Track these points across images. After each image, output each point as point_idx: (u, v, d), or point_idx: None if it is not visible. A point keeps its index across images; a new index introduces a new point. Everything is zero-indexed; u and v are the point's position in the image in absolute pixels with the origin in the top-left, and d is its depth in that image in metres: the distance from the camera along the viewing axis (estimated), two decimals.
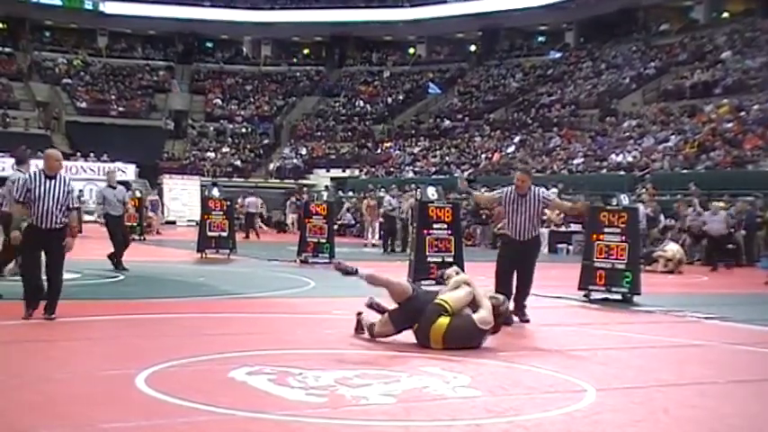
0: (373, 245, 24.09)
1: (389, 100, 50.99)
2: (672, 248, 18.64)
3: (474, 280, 7.78)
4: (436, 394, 5.64)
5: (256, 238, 27.24)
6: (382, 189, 30.36)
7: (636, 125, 33.38)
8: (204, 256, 18.03)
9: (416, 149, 42.88)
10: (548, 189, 29.57)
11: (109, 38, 55.06)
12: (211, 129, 50.11)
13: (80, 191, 33.79)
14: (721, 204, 20.72)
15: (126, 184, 35.00)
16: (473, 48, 53.65)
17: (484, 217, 26.94)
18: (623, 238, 11.52)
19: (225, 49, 57.50)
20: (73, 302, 9.82)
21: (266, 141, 49.70)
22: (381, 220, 24.23)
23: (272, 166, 46.46)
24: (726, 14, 42.35)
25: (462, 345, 7.21)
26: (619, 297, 11.56)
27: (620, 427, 5.07)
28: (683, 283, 16.21)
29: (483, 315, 7.33)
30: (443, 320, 7.26)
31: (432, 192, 12.59)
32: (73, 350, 7.01)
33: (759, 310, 11.52)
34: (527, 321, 9.18)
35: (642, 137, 31.58)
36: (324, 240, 17.09)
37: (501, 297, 7.77)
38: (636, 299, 11.50)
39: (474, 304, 7.41)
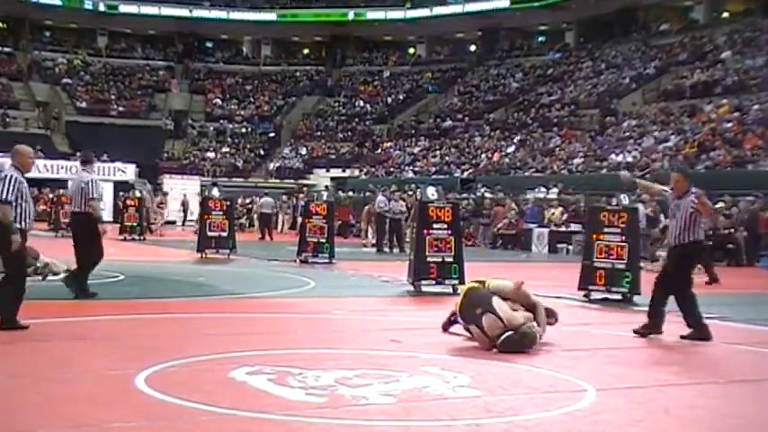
0: (373, 245, 24.09)
1: (389, 100, 50.99)
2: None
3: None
4: (436, 394, 5.64)
5: (270, 239, 27.01)
6: (383, 189, 30.36)
7: (636, 125, 33.39)
8: (204, 256, 18.03)
9: (416, 149, 42.89)
10: (548, 189, 29.58)
11: (109, 38, 55.05)
12: (211, 129, 50.13)
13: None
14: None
15: (126, 183, 35.26)
16: (473, 48, 53.67)
17: (484, 218, 26.94)
18: (623, 238, 11.53)
19: (225, 48, 57.52)
20: (73, 302, 9.85)
21: (266, 141, 49.71)
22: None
23: (272, 165, 46.47)
24: (726, 14, 42.37)
25: (470, 313, 7.50)
26: (619, 297, 11.55)
27: (620, 427, 5.07)
28: None
29: (511, 312, 7.41)
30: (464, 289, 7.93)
31: (432, 192, 12.59)
32: (73, 350, 7.00)
33: (759, 310, 11.51)
34: (691, 338, 8.43)
35: (642, 137, 31.58)
36: (324, 240, 17.08)
37: (529, 323, 7.52)
38: (636, 299, 11.48)
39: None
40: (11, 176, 7.74)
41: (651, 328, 8.58)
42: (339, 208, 29.85)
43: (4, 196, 7.60)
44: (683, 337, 8.49)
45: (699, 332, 8.46)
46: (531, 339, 7.39)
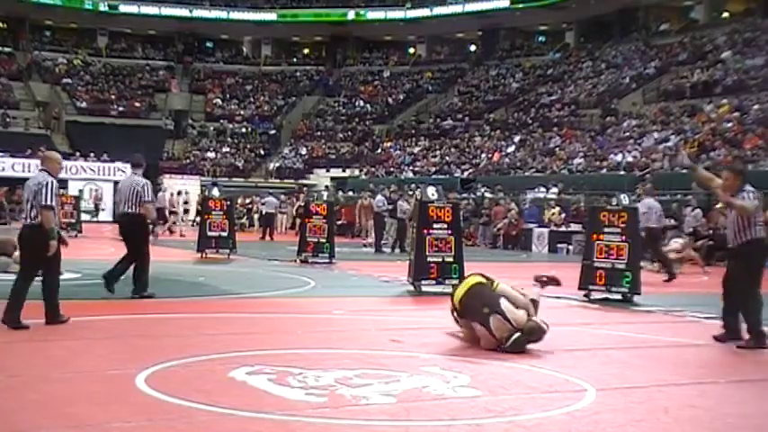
0: (369, 244, 23.97)
1: (389, 100, 51.00)
2: (677, 242, 18.65)
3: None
4: (436, 394, 5.64)
5: (270, 239, 27.03)
6: (382, 188, 30.34)
7: (636, 125, 33.40)
8: (204, 256, 18.03)
9: (416, 149, 42.90)
10: (548, 189, 29.57)
11: (109, 38, 55.07)
12: (211, 129, 50.13)
13: (80, 190, 34.07)
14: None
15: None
16: (473, 48, 53.69)
17: (484, 218, 26.94)
18: (623, 237, 11.53)
19: (225, 48, 57.53)
20: (73, 302, 9.83)
21: (266, 141, 49.72)
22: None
23: (272, 165, 46.48)
24: (726, 14, 42.38)
25: (472, 309, 7.45)
26: (619, 297, 11.56)
27: (621, 427, 5.07)
28: (683, 283, 16.20)
29: (517, 312, 7.40)
30: (469, 281, 7.76)
31: (432, 192, 12.59)
32: (73, 350, 7.00)
33: None
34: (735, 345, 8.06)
35: (642, 137, 31.59)
36: (324, 240, 17.09)
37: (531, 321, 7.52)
38: (636, 299, 11.50)
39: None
40: (51, 182, 8.12)
41: (730, 334, 8.21)
42: (345, 208, 29.86)
43: (48, 202, 8.00)
44: (715, 338, 8.21)
45: (731, 333, 8.18)
46: (540, 331, 7.41)
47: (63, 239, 8.51)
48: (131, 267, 10.52)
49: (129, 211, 10.60)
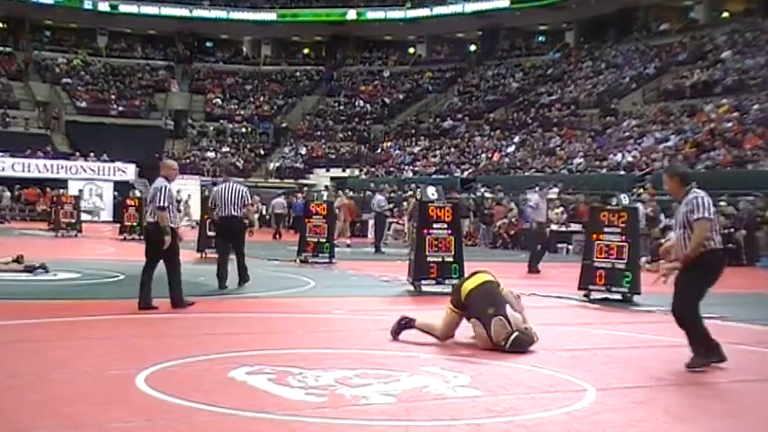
0: (348, 246, 23.38)
1: (389, 100, 51.00)
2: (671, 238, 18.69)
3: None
4: (436, 394, 5.64)
5: (278, 239, 27.06)
6: (381, 188, 30.31)
7: (636, 125, 33.40)
8: (204, 256, 18.01)
9: (416, 149, 42.90)
10: (547, 190, 29.66)
11: (109, 37, 55.04)
12: (211, 128, 50.11)
13: (80, 190, 34.08)
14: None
15: (127, 183, 35.26)
16: (473, 48, 53.69)
17: (485, 217, 26.94)
18: (623, 237, 11.53)
19: (225, 48, 57.51)
20: (73, 302, 9.85)
21: (266, 141, 49.72)
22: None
23: (272, 165, 46.48)
24: (726, 14, 42.36)
25: (477, 305, 7.41)
26: (619, 297, 11.56)
27: (620, 427, 5.07)
28: None
29: (517, 316, 7.47)
30: (481, 276, 7.70)
31: (432, 192, 12.59)
32: (73, 350, 7.00)
33: (759, 310, 11.50)
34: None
35: (642, 137, 31.60)
36: (324, 240, 17.09)
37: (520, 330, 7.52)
38: (636, 298, 11.50)
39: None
40: (164, 186, 9.45)
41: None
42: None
43: (162, 203, 9.29)
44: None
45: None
46: (530, 338, 7.47)
47: (179, 235, 9.66)
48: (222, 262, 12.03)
49: (235, 213, 12.10)
